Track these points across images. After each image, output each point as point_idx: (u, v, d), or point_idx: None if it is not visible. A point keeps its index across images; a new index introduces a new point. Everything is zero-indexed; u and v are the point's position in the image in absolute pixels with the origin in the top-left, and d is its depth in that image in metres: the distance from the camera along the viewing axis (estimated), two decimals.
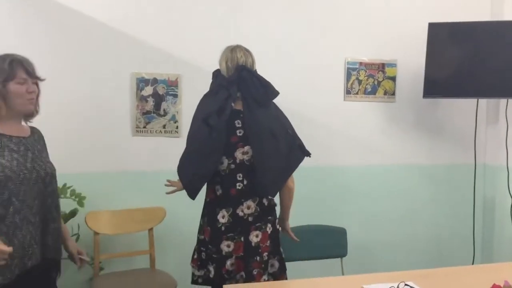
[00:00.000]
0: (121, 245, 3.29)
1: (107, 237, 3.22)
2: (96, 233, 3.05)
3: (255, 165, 2.26)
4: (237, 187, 2.28)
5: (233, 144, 2.27)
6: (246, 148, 2.27)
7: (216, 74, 2.40)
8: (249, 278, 2.25)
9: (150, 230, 3.20)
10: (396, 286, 2.03)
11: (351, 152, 3.71)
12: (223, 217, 2.27)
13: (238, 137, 2.27)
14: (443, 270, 2.29)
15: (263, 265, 2.28)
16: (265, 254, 2.29)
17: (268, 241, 2.30)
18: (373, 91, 3.70)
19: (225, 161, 2.27)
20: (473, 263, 3.80)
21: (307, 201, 3.59)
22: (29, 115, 2.10)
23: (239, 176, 2.27)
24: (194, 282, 2.37)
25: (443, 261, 3.83)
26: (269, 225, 2.32)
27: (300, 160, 2.35)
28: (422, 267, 2.45)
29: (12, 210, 1.92)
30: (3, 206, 1.91)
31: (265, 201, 2.31)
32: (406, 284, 2.06)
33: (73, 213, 2.99)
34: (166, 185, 2.59)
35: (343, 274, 2.93)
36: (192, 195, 2.32)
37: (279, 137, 2.28)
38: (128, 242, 3.30)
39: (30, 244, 1.98)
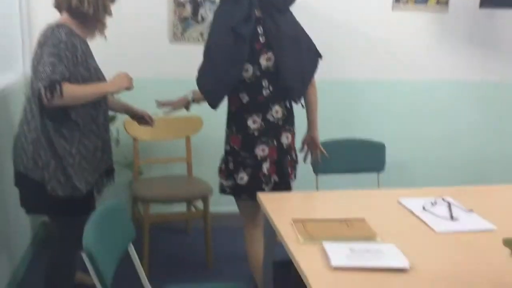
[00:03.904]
0: (159, 152, 3.36)
1: (146, 144, 3.28)
2: (135, 139, 3.10)
3: (279, 70, 2.25)
4: (264, 94, 2.28)
5: (257, 50, 2.24)
6: (269, 54, 2.25)
7: None
8: (284, 177, 2.33)
9: (187, 138, 3.23)
10: (434, 201, 1.98)
11: (397, 66, 3.54)
12: (254, 122, 2.28)
13: (261, 43, 2.24)
14: (483, 188, 2.23)
15: (293, 164, 2.39)
16: (293, 153, 2.40)
17: (294, 142, 2.41)
18: (425, 0, 3.44)
19: (250, 68, 2.25)
20: None
21: (347, 114, 3.52)
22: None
23: (265, 83, 2.27)
24: (222, 191, 2.42)
25: (485, 181, 3.74)
26: (293, 127, 2.40)
27: (317, 61, 2.37)
28: (461, 185, 2.38)
29: (101, 111, 2.14)
30: (95, 107, 2.10)
31: (288, 105, 2.35)
32: (444, 199, 2.01)
33: (111, 118, 3.02)
34: (158, 107, 2.58)
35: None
36: (215, 104, 2.31)
37: (299, 41, 2.28)
38: (166, 150, 3.36)
39: (110, 145, 2.27)
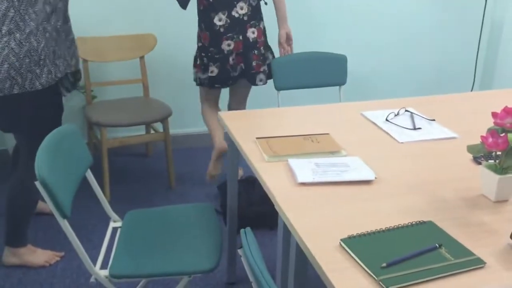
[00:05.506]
0: (112, 73, 3.19)
1: (97, 65, 3.10)
2: (85, 61, 2.92)
3: None
4: None
5: None
6: None
7: None
8: (249, 69, 2.56)
9: (142, 58, 3.07)
10: (396, 112, 1.97)
11: None
12: (219, 20, 2.44)
13: None
14: (443, 97, 2.23)
15: (261, 58, 2.59)
16: (262, 48, 2.59)
17: (263, 37, 2.60)
18: None
19: None
20: (471, 91, 3.77)
21: (305, 26, 3.41)
22: None
23: None
24: (200, 84, 2.62)
25: (442, 88, 3.79)
26: (262, 22, 2.59)
27: None
28: (421, 95, 2.39)
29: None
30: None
31: (252, 1, 2.50)
32: (406, 110, 2.00)
33: None
34: None
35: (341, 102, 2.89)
36: (184, 4, 2.46)
37: None
38: (119, 71, 3.19)
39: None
